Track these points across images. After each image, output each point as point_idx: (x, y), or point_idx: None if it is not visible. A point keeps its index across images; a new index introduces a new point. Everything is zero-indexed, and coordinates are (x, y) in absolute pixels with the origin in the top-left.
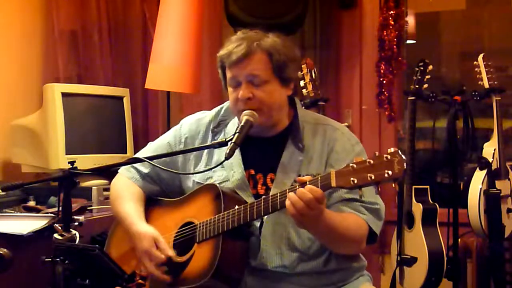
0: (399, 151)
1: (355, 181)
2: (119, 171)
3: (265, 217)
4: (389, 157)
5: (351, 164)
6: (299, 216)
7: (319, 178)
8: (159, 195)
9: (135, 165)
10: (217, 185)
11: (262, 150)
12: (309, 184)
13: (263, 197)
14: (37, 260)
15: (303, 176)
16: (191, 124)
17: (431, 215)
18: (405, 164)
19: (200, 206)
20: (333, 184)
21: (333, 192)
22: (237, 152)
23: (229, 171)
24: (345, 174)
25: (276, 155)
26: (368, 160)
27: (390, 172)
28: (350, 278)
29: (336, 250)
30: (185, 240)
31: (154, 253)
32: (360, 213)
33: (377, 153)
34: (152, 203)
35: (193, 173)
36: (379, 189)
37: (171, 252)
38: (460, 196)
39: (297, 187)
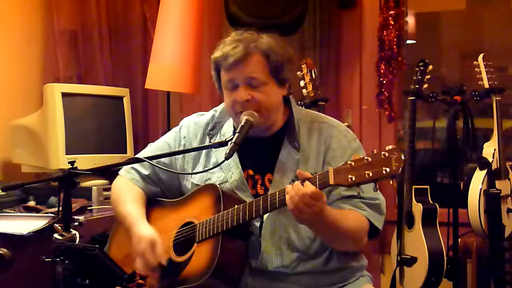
0: (397, 148)
1: (353, 179)
2: (119, 172)
3: (265, 218)
4: (387, 154)
5: (349, 162)
6: (298, 212)
7: (317, 176)
8: (160, 196)
9: (135, 166)
10: (217, 185)
11: (259, 150)
12: (307, 181)
13: (262, 196)
14: (37, 260)
15: None
16: (189, 127)
17: (431, 215)
18: (402, 161)
19: (200, 206)
20: (331, 181)
21: (332, 190)
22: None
23: (227, 172)
24: (343, 172)
25: (273, 155)
26: (366, 157)
27: (387, 169)
28: (350, 279)
29: (336, 248)
30: (185, 240)
31: (147, 257)
32: (360, 210)
33: (375, 151)
34: (152, 204)
35: (191, 173)
36: (377, 186)
37: (163, 260)
38: (460, 196)
39: (298, 182)
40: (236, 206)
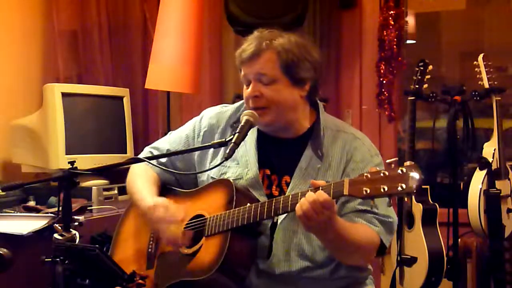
0: (416, 165)
1: (368, 191)
2: (139, 156)
3: (278, 222)
4: (404, 170)
5: (365, 174)
6: (305, 219)
7: (332, 184)
8: (174, 184)
9: (153, 152)
10: (231, 180)
11: (280, 151)
12: (321, 189)
13: (275, 198)
14: (37, 260)
15: None
16: (211, 118)
17: (431, 215)
18: (420, 180)
19: (212, 200)
20: (345, 192)
21: (347, 202)
22: (253, 151)
23: (243, 169)
24: (358, 183)
25: (294, 158)
26: (382, 171)
27: (404, 186)
28: (354, 285)
29: (344, 261)
30: (194, 232)
31: (169, 216)
32: (373, 225)
33: (393, 165)
34: (165, 192)
35: (202, 172)
36: (391, 201)
37: (183, 215)
38: (460, 196)
39: (309, 190)
40: (248, 204)
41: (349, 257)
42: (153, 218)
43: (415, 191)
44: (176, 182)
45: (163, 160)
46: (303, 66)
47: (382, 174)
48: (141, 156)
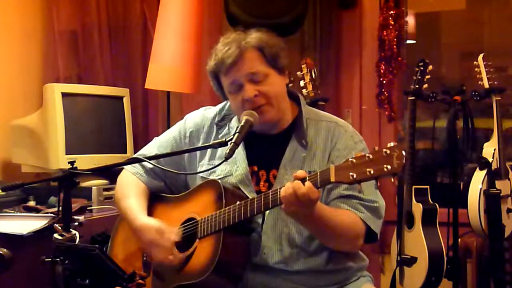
0: (399, 145)
1: (354, 176)
2: (124, 166)
3: (267, 213)
4: (388, 151)
5: (350, 159)
6: (288, 206)
7: (318, 173)
8: (164, 190)
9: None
10: (219, 181)
11: (266, 147)
12: (308, 179)
13: (263, 192)
14: (37, 260)
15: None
16: (196, 118)
17: (431, 215)
18: (404, 158)
19: (202, 202)
20: (332, 179)
21: (332, 189)
22: (241, 148)
23: (232, 166)
24: (344, 169)
25: (280, 152)
26: (367, 154)
27: (389, 167)
28: (351, 279)
29: (330, 246)
30: (187, 236)
31: (159, 241)
32: (358, 211)
33: (376, 148)
34: (155, 200)
35: (195, 173)
36: (379, 184)
37: (176, 237)
38: (460, 196)
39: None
40: (237, 202)
41: (332, 242)
42: (143, 240)
43: (401, 169)
44: (166, 188)
45: (151, 166)
46: (282, 54)
47: (367, 158)
48: (128, 167)
